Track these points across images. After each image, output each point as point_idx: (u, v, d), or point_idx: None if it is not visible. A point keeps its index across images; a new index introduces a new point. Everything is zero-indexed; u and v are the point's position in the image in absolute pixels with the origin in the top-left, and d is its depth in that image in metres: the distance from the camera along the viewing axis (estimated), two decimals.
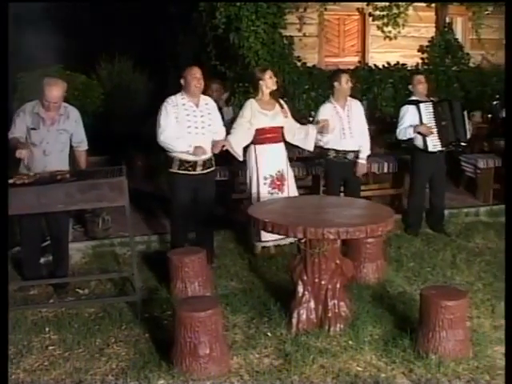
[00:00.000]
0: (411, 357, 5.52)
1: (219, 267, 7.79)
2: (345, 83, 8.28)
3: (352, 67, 12.67)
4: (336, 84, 8.32)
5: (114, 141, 12.21)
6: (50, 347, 5.90)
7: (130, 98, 14.24)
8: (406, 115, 8.77)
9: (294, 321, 6.03)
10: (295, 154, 9.89)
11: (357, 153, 8.44)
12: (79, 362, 5.61)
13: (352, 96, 8.58)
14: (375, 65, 12.87)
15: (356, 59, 13.27)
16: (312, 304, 6.05)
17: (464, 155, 10.66)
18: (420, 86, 8.87)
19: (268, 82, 7.91)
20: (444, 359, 5.42)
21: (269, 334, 6.02)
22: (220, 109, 9.95)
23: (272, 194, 7.90)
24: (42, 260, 7.65)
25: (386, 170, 9.91)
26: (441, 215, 9.22)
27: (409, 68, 12.69)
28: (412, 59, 13.35)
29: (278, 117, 7.96)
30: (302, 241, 5.90)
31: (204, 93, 8.17)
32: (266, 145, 7.92)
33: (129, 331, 6.19)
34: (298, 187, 8.73)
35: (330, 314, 6.00)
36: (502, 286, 7.13)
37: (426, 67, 13.09)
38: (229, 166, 9.02)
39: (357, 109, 8.50)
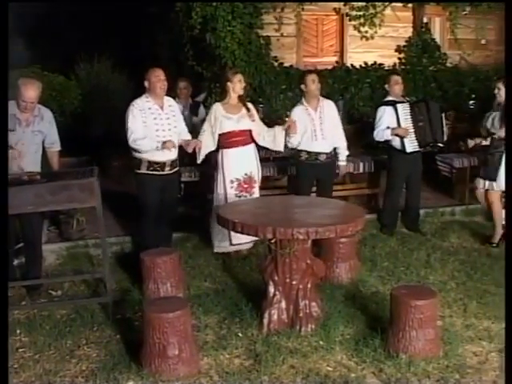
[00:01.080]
0: (382, 356, 5.53)
1: (193, 268, 7.77)
2: (311, 84, 8.23)
3: (330, 67, 12.66)
4: (303, 86, 8.30)
5: (92, 141, 12.16)
6: (21, 349, 5.87)
7: (108, 98, 14.18)
8: (383, 116, 8.76)
9: (265, 321, 6.03)
10: (272, 155, 9.87)
11: (329, 154, 8.41)
12: (49, 364, 5.59)
13: (325, 97, 8.55)
14: (352, 65, 12.86)
15: (335, 59, 13.27)
16: (283, 304, 6.05)
17: (440, 155, 10.67)
18: (396, 86, 8.88)
19: (236, 86, 7.88)
20: (414, 358, 5.44)
21: (240, 334, 6.01)
22: (191, 106, 10.02)
23: (239, 196, 7.85)
24: (15, 262, 7.60)
25: (361, 170, 9.92)
26: (416, 215, 9.24)
27: (386, 68, 12.70)
28: (390, 59, 13.33)
29: (243, 120, 7.91)
30: (273, 241, 5.89)
31: (172, 91, 8.19)
32: (232, 148, 7.88)
33: (100, 332, 6.18)
34: (274, 187, 8.73)
35: (301, 314, 6.00)
36: (474, 285, 7.23)
37: (403, 67, 13.08)
38: (198, 167, 8.98)
39: (330, 110, 8.45)
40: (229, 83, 7.87)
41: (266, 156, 9.79)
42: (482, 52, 14.51)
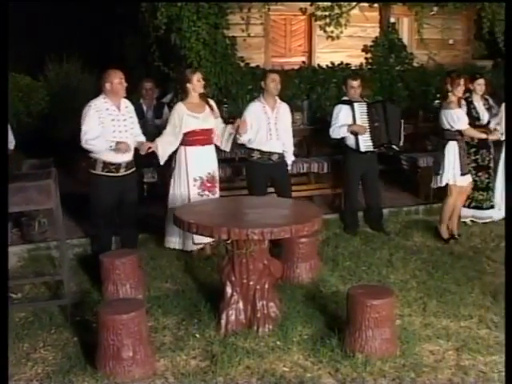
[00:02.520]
0: (338, 356, 5.54)
1: (155, 269, 7.74)
2: (270, 83, 8.19)
3: (297, 67, 12.67)
4: (262, 84, 8.27)
5: (59, 142, 12.08)
6: None
7: (77, 98, 14.07)
8: (339, 114, 8.78)
9: (223, 322, 6.02)
10: (237, 155, 9.86)
11: (281, 154, 8.39)
12: None
13: (284, 100, 8.52)
14: (319, 65, 12.87)
15: (303, 59, 13.27)
16: (241, 305, 6.04)
17: (404, 154, 10.70)
18: (352, 89, 8.87)
19: (195, 85, 7.86)
20: (370, 358, 5.45)
21: (197, 335, 6.00)
22: (155, 107, 9.98)
23: (202, 195, 7.84)
24: None
25: (326, 170, 9.93)
26: (379, 214, 9.25)
27: (353, 68, 12.72)
28: (358, 59, 13.36)
29: (208, 119, 7.91)
30: (228, 242, 5.88)
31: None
32: (196, 147, 7.87)
33: (58, 335, 6.13)
34: (236, 188, 8.71)
35: (258, 315, 5.99)
36: (435, 283, 7.25)
37: (369, 67, 13.11)
38: (156, 168, 8.95)
39: (285, 112, 8.42)
40: (188, 84, 7.85)
41: (232, 156, 9.77)
42: (450, 52, 14.59)
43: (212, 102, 8.12)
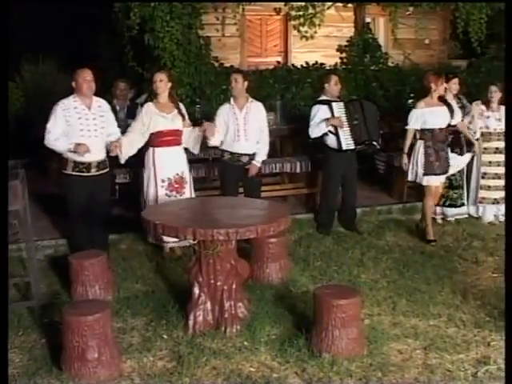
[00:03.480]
0: (305, 356, 5.54)
1: (126, 269, 7.71)
2: (233, 83, 8.17)
3: (271, 67, 12.66)
4: (231, 84, 8.26)
5: (33, 143, 12.01)
6: None
7: (53, 99, 14.01)
8: (317, 114, 8.77)
9: (191, 322, 6.01)
10: (211, 155, 9.83)
11: (252, 156, 8.35)
12: None
13: (254, 99, 8.50)
14: (293, 64, 12.85)
15: (279, 59, 13.25)
16: (208, 305, 6.04)
17: (378, 154, 10.71)
18: (336, 86, 8.89)
19: (157, 86, 7.86)
20: (337, 358, 5.45)
21: (165, 336, 5.99)
22: (128, 108, 9.94)
23: (170, 196, 7.84)
24: None
25: (298, 170, 9.92)
26: (353, 214, 9.27)
27: (327, 68, 12.71)
28: (334, 59, 13.31)
29: (176, 120, 7.92)
30: (194, 242, 5.88)
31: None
32: (164, 147, 7.88)
33: (26, 337, 6.10)
34: (209, 188, 8.70)
35: (226, 315, 5.99)
36: (405, 283, 7.28)
37: (344, 67, 13.10)
38: (130, 168, 8.92)
39: (257, 112, 8.35)
40: (154, 84, 7.86)
41: (205, 157, 9.74)
42: (426, 52, 14.61)
43: (181, 106, 8.11)
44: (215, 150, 8.57)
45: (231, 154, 8.26)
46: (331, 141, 8.82)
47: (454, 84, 9.22)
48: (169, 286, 7.19)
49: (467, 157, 9.42)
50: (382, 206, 10.09)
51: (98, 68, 12.19)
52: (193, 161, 8.81)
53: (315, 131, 8.82)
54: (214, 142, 8.10)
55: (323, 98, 8.92)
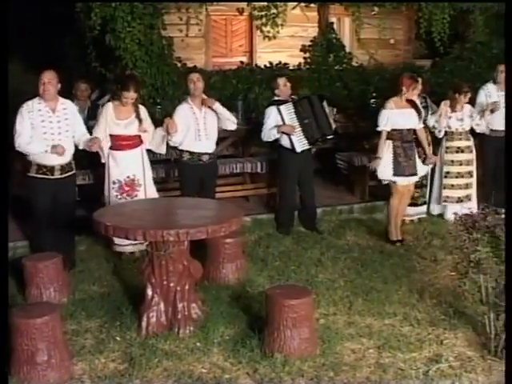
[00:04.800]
0: (258, 357, 5.54)
1: (83, 271, 7.67)
2: (189, 83, 8.17)
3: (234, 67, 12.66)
4: (190, 84, 8.24)
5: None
6: None
7: (19, 100, 13.89)
8: (270, 117, 8.79)
9: (144, 324, 5.99)
10: (172, 156, 9.77)
11: (211, 155, 8.34)
12: None
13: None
14: (256, 64, 12.86)
15: (244, 59, 13.25)
16: (162, 306, 6.02)
17: (339, 153, 10.74)
18: (283, 88, 8.89)
19: (122, 99, 7.83)
20: (289, 358, 5.46)
21: (118, 338, 5.96)
22: (89, 109, 9.89)
23: (120, 199, 7.82)
24: None
25: (259, 170, 9.92)
26: (312, 213, 9.26)
27: (291, 68, 12.72)
28: (299, 59, 13.34)
29: (131, 126, 7.86)
30: (146, 243, 5.86)
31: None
32: (118, 151, 7.88)
33: None
34: (169, 189, 8.68)
35: (179, 316, 5.98)
36: (362, 282, 7.31)
37: (308, 67, 13.12)
38: (92, 170, 8.88)
39: (213, 112, 8.33)
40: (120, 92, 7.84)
41: (167, 157, 9.69)
42: (391, 51, 14.66)
43: (142, 110, 8.06)
44: (175, 150, 8.50)
45: (191, 153, 8.22)
46: (285, 141, 8.82)
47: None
48: (125, 287, 7.16)
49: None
50: (343, 205, 10.10)
51: (64, 68, 12.20)
52: (153, 162, 8.77)
53: (267, 136, 8.88)
54: (175, 139, 8.07)
55: (275, 98, 8.95)
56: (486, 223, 5.57)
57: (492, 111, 9.49)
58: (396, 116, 8.51)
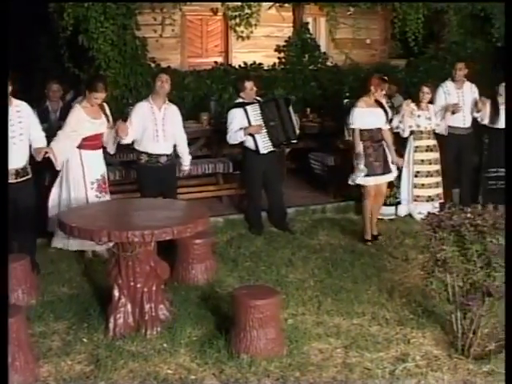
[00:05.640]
0: (224, 357, 5.53)
1: (53, 273, 7.63)
2: (156, 82, 8.17)
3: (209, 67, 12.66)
4: (158, 84, 8.22)
5: None
6: None
7: None
8: (234, 119, 8.80)
9: (111, 325, 5.97)
10: (128, 158, 9.71)
11: (170, 156, 8.32)
12: None
13: (170, 100, 8.49)
14: (230, 65, 12.87)
15: (220, 59, 13.25)
16: (129, 308, 6.01)
17: (313, 153, 10.76)
18: (250, 91, 8.90)
19: (91, 100, 7.80)
20: (255, 358, 5.46)
21: (85, 339, 5.93)
22: (61, 109, 9.84)
23: (99, 197, 7.80)
24: None
25: (231, 170, 9.94)
26: (282, 214, 9.27)
27: (265, 68, 12.74)
28: (275, 59, 13.36)
29: (103, 125, 7.90)
30: (111, 244, 5.85)
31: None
32: (91, 151, 7.86)
33: None
34: (128, 191, 8.74)
35: (146, 317, 5.97)
36: (332, 281, 7.31)
37: (282, 67, 13.13)
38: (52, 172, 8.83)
39: (174, 114, 8.36)
40: (87, 91, 7.81)
41: (123, 159, 9.64)
42: (367, 51, 14.71)
43: (107, 108, 8.05)
44: (133, 152, 8.48)
45: (149, 155, 8.20)
46: (250, 143, 8.84)
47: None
48: (95, 288, 7.13)
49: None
50: (316, 205, 10.11)
51: (39, 69, 12.13)
52: (110, 163, 8.81)
53: (233, 138, 8.89)
54: (126, 140, 8.05)
55: (239, 100, 8.98)
56: (452, 222, 5.59)
57: (453, 112, 9.53)
58: (366, 115, 8.56)
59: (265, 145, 8.76)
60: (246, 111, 8.70)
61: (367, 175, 8.59)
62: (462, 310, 5.66)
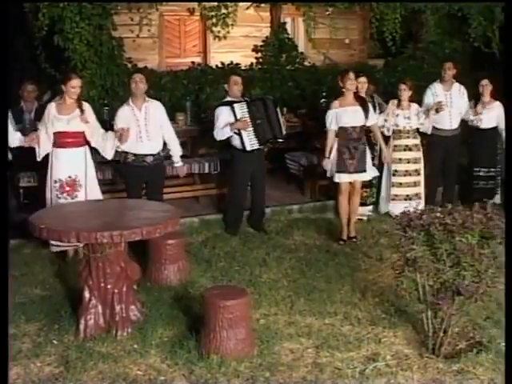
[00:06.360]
0: (195, 358, 5.54)
1: (26, 274, 7.60)
2: (132, 83, 8.18)
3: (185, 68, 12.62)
4: (133, 84, 8.21)
5: None
6: None
7: None
8: (220, 116, 8.79)
9: (82, 327, 5.97)
10: (121, 158, 9.72)
11: (156, 155, 8.30)
12: None
13: (151, 97, 8.50)
14: (207, 64, 12.85)
15: (198, 60, 13.21)
16: (99, 309, 6.01)
17: (289, 153, 10.76)
18: (235, 86, 8.90)
19: (75, 91, 7.77)
20: (226, 359, 5.47)
21: (55, 341, 5.92)
22: (36, 110, 9.81)
23: (60, 198, 7.72)
24: None
25: (207, 170, 9.92)
26: (261, 214, 9.28)
27: (243, 68, 12.71)
28: (253, 59, 13.35)
29: (73, 122, 7.76)
30: (81, 245, 5.83)
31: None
32: (62, 149, 7.78)
33: None
34: (117, 191, 8.65)
35: (117, 318, 5.96)
36: (306, 281, 7.32)
37: (260, 67, 13.12)
38: (37, 171, 8.81)
39: (156, 111, 8.33)
40: (63, 87, 7.76)
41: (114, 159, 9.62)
42: (346, 51, 14.72)
43: (86, 107, 7.98)
44: (121, 152, 8.45)
45: (135, 155, 8.20)
46: (236, 141, 8.84)
47: (360, 83, 9.23)
48: (67, 289, 7.10)
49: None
50: (293, 205, 10.12)
51: (16, 69, 12.05)
52: (100, 163, 8.75)
53: (220, 134, 8.87)
54: (124, 146, 8.07)
55: (227, 99, 8.96)
56: (421, 222, 5.61)
57: (437, 111, 9.53)
58: (340, 115, 8.60)
59: (251, 142, 8.77)
60: (232, 108, 8.70)
61: (339, 171, 8.63)
62: (433, 309, 5.69)
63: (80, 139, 7.84)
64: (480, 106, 9.82)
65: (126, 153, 8.25)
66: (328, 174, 8.89)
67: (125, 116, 8.13)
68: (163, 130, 8.37)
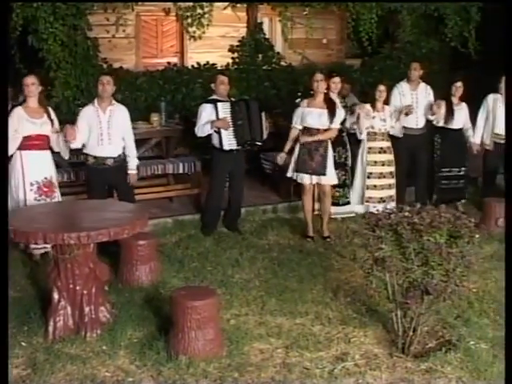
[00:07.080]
0: (163, 359, 5.53)
1: None
2: (99, 85, 8.11)
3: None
4: (100, 86, 8.16)
5: None
6: None
7: None
8: (203, 113, 8.81)
9: (51, 328, 5.94)
10: (79, 159, 9.64)
11: (117, 158, 8.21)
12: None
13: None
14: (183, 65, 12.85)
15: (175, 60, 13.21)
16: (68, 310, 5.99)
17: (264, 153, 10.77)
18: (222, 86, 8.90)
19: (30, 89, 7.75)
20: (194, 359, 5.48)
21: (24, 343, 5.89)
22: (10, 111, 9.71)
23: (39, 200, 7.69)
24: None
25: (181, 171, 9.89)
26: (237, 214, 9.28)
27: (219, 68, 12.69)
28: (230, 59, 13.37)
29: (45, 125, 7.79)
30: (49, 246, 5.81)
31: None
32: (33, 151, 7.75)
33: None
34: (79, 193, 8.68)
35: (86, 320, 5.95)
36: (278, 281, 7.33)
37: (236, 67, 13.11)
38: None
39: (121, 115, 8.24)
40: (25, 87, 7.74)
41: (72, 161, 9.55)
42: (324, 51, 14.76)
43: (51, 111, 7.98)
44: (82, 153, 8.43)
45: (95, 157, 8.14)
46: (215, 140, 8.85)
47: (334, 83, 9.23)
48: (38, 291, 7.06)
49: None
50: (267, 205, 10.12)
51: None
52: (61, 165, 8.74)
53: (200, 131, 8.86)
54: (75, 144, 7.97)
55: (213, 97, 8.96)
56: (389, 221, 5.63)
57: (406, 114, 9.55)
58: (306, 114, 8.70)
59: (229, 142, 8.77)
60: (216, 107, 8.71)
61: (297, 171, 8.77)
62: (402, 309, 5.71)
63: (46, 142, 7.88)
64: (435, 106, 9.81)
65: (87, 155, 8.21)
66: (288, 174, 8.99)
67: (87, 116, 8.07)
68: (124, 136, 8.28)
